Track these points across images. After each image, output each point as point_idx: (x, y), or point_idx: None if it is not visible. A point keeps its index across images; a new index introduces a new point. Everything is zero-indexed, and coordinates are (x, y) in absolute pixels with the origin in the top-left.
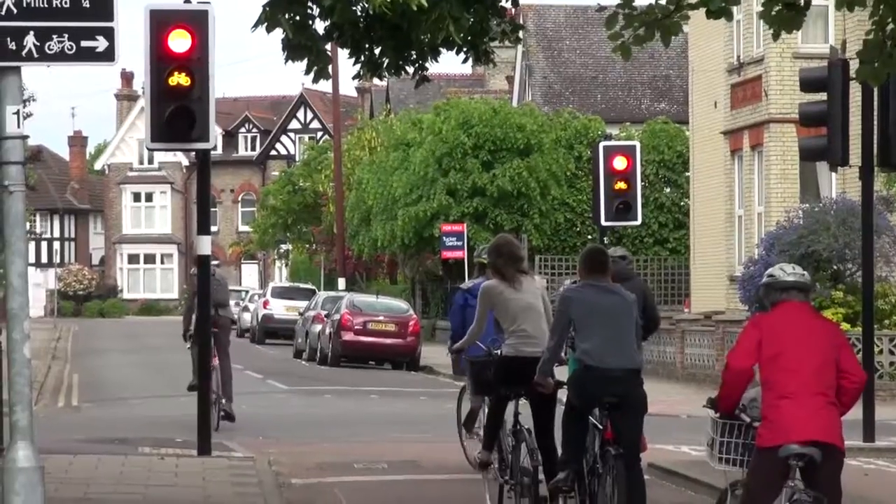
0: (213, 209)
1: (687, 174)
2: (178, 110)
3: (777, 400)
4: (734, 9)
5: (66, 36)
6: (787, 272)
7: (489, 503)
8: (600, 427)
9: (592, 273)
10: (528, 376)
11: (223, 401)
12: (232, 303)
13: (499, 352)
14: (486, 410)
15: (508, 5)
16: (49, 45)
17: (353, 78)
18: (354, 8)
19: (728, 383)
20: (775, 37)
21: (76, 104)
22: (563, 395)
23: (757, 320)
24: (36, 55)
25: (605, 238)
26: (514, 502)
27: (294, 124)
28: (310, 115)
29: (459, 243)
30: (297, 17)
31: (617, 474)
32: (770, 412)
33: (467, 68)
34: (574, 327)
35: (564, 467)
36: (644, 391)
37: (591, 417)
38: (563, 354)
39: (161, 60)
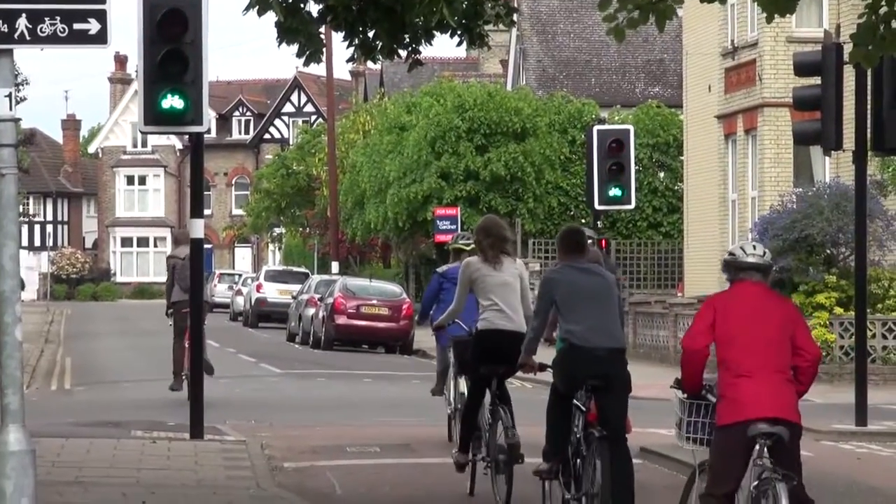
0: (206, 192)
1: (681, 158)
2: (170, 53)
3: (735, 378)
4: None
5: (59, 18)
6: (748, 252)
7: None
8: (584, 409)
9: (570, 254)
10: (504, 350)
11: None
12: (224, 286)
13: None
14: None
15: None
16: (41, 28)
17: (347, 61)
18: None
19: (686, 365)
20: (769, 19)
21: (70, 87)
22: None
23: (712, 301)
24: (28, 37)
25: (598, 221)
26: (490, 479)
27: (288, 108)
28: (304, 98)
29: (453, 227)
30: (290, 0)
31: (601, 456)
32: (728, 390)
33: (461, 52)
34: (557, 308)
35: (549, 458)
36: (628, 372)
37: (575, 400)
38: (553, 334)
39: (154, 43)
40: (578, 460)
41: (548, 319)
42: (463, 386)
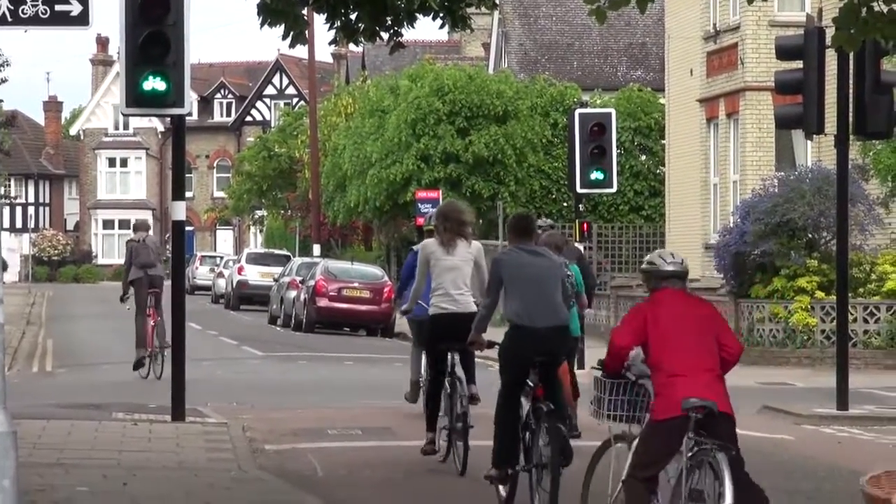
0: (188, 175)
1: (662, 142)
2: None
3: (669, 378)
4: None
5: (41, 0)
6: (668, 261)
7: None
8: (532, 385)
9: (520, 237)
10: (455, 329)
11: (164, 353)
12: (206, 268)
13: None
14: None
15: None
16: (23, 9)
17: (330, 44)
18: None
19: (612, 356)
20: (750, 1)
21: (51, 69)
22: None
23: (642, 307)
24: (10, 19)
25: (580, 205)
26: (449, 445)
27: (270, 90)
28: (285, 81)
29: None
30: None
31: (550, 430)
32: (664, 389)
33: (443, 35)
34: (504, 288)
35: (499, 464)
36: (574, 344)
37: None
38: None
39: (136, 25)
40: (528, 433)
41: (497, 299)
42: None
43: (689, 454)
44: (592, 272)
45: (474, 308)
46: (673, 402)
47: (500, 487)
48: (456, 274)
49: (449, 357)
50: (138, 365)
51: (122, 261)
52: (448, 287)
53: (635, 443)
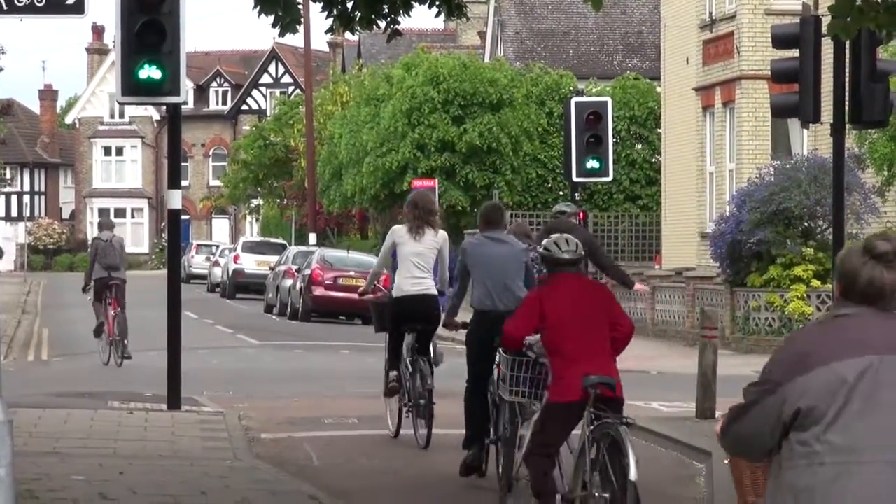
0: (183, 163)
1: (658, 130)
2: (148, 23)
3: (566, 362)
4: None
5: None
6: (563, 249)
7: (390, 423)
8: (496, 363)
9: (488, 226)
10: (416, 310)
11: (125, 341)
12: (201, 257)
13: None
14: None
15: None
16: None
17: (326, 32)
18: None
19: (507, 345)
20: None
21: (47, 58)
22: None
23: (537, 294)
24: (5, 7)
25: (576, 194)
26: (413, 422)
27: (265, 79)
28: (281, 69)
29: None
30: None
31: (512, 406)
32: (562, 372)
33: (439, 23)
34: (470, 275)
35: (471, 445)
36: None
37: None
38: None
39: (132, 14)
40: (495, 410)
41: (466, 285)
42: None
43: (591, 427)
44: (603, 252)
45: (435, 292)
46: (569, 387)
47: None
48: (421, 259)
49: (407, 337)
50: (98, 330)
51: None
52: (412, 270)
53: (534, 419)
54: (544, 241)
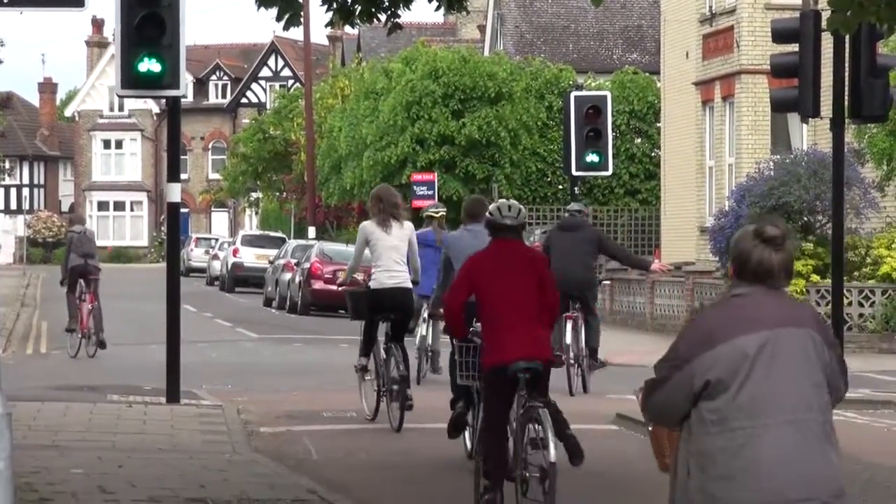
0: (183, 157)
1: (658, 125)
2: (148, 16)
3: (495, 326)
4: None
5: None
6: (504, 214)
7: (363, 402)
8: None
9: (470, 219)
10: (393, 302)
11: (100, 333)
12: (201, 250)
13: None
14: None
15: None
16: None
17: (326, 25)
18: None
19: (449, 317)
20: None
21: (46, 51)
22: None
23: (470, 263)
24: (5, 0)
25: (575, 188)
26: (387, 405)
27: (265, 72)
28: (281, 62)
29: (430, 192)
30: None
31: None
32: (491, 337)
33: (439, 17)
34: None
35: (456, 404)
36: None
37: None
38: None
39: (132, 6)
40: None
41: (450, 274)
42: (425, 329)
43: (521, 410)
44: (614, 244)
45: (410, 284)
46: (498, 349)
47: (467, 437)
48: (395, 252)
49: (382, 326)
50: (70, 329)
51: (117, 243)
52: (389, 264)
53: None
54: (490, 206)
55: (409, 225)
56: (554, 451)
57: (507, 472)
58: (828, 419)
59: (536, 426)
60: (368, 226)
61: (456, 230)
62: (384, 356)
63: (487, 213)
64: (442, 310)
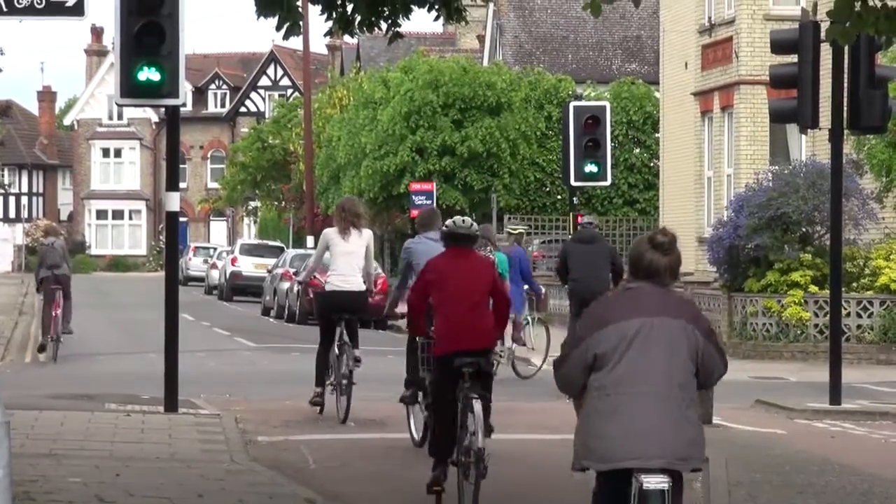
0: (182, 166)
1: (657, 135)
2: (147, 25)
3: (445, 320)
4: None
5: None
6: (459, 225)
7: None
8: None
9: (424, 228)
10: (346, 304)
11: (68, 324)
12: (199, 259)
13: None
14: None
15: None
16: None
17: (325, 35)
18: None
19: (411, 316)
20: None
21: (45, 59)
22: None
23: (428, 266)
24: (5, 9)
25: (574, 198)
26: (336, 398)
27: (264, 81)
28: (280, 72)
29: (429, 202)
30: None
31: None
32: (441, 330)
33: (438, 27)
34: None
35: (410, 386)
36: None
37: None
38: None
39: (131, 15)
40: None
41: (408, 279)
42: None
43: (461, 402)
44: (620, 263)
45: (362, 287)
46: (445, 340)
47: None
48: (350, 258)
49: (338, 327)
50: (41, 348)
51: (115, 252)
52: (344, 269)
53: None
54: (447, 221)
55: (367, 233)
56: (481, 437)
57: (450, 453)
58: (687, 395)
59: (471, 416)
60: (330, 232)
61: (414, 238)
62: (337, 353)
63: (444, 226)
64: (405, 309)
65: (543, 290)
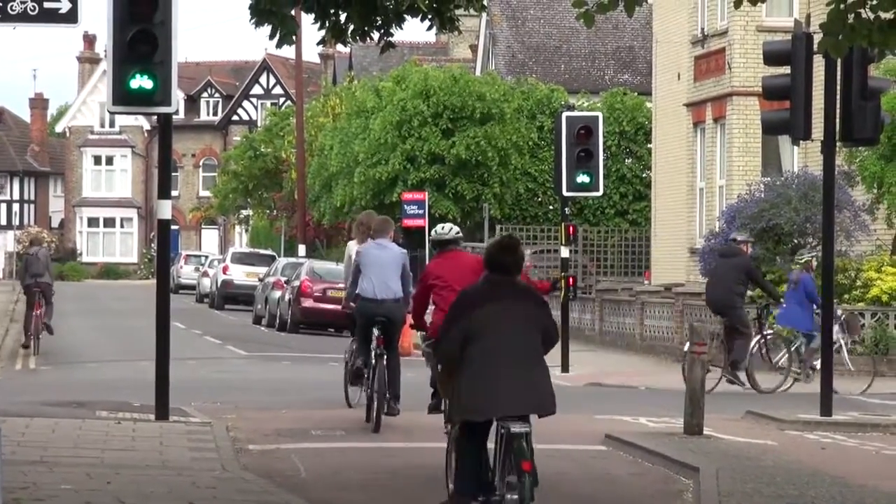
0: (173, 174)
1: (649, 146)
2: (140, 33)
3: (444, 313)
4: None
5: None
6: (445, 231)
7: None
8: (376, 335)
9: (378, 234)
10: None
11: (48, 321)
12: (190, 267)
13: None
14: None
15: None
16: (11, 6)
17: (318, 44)
18: None
19: (414, 316)
20: (737, 4)
21: (38, 66)
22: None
23: (426, 271)
24: None
25: (566, 208)
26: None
27: (256, 90)
28: (272, 80)
29: (421, 212)
30: None
31: (379, 365)
32: (439, 321)
33: (431, 36)
34: (361, 272)
35: (357, 359)
36: (403, 312)
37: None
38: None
39: (124, 23)
40: (371, 369)
41: (357, 279)
42: None
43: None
44: (759, 276)
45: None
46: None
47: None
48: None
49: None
50: (25, 346)
51: (106, 259)
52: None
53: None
54: (432, 230)
55: (351, 244)
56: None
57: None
58: (539, 360)
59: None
60: (353, 245)
61: (366, 243)
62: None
63: (434, 233)
64: (409, 310)
65: None
